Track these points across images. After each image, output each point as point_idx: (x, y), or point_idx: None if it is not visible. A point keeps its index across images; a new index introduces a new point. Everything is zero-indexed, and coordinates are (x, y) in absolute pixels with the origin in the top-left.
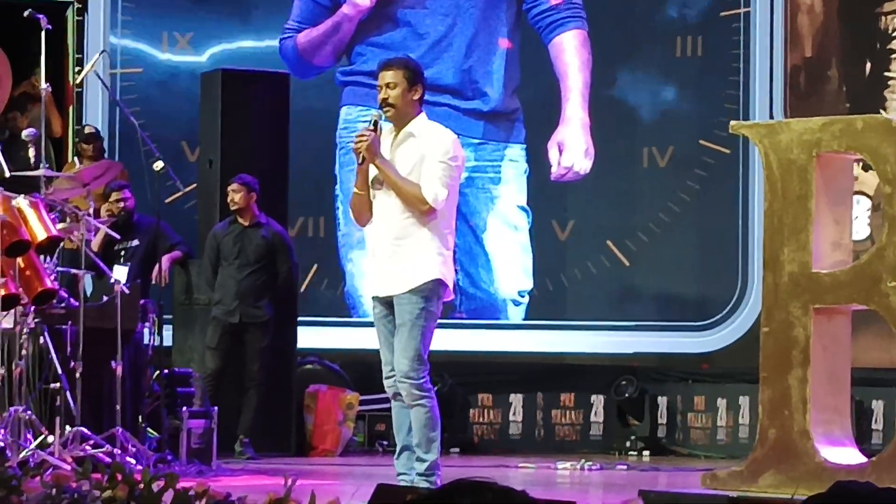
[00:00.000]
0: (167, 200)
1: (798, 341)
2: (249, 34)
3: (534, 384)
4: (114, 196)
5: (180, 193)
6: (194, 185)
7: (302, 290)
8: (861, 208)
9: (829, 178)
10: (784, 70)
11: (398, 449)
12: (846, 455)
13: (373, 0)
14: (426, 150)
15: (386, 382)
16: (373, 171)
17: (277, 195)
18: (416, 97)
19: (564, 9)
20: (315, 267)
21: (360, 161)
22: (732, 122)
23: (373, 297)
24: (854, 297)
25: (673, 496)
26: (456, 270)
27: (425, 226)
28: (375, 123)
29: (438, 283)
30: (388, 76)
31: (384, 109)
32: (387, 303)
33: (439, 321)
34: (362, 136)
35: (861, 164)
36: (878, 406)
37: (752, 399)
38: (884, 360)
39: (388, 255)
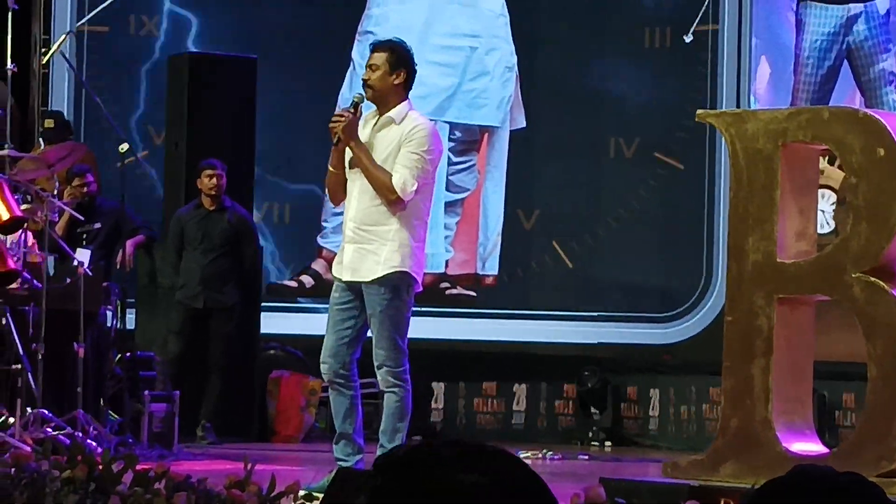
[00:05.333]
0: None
1: (761, 331)
2: (217, 18)
3: (496, 373)
4: (76, 181)
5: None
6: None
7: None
8: (826, 202)
9: (795, 169)
10: (750, 61)
11: (336, 435)
12: (807, 445)
13: None
14: (403, 139)
15: (322, 367)
16: (349, 152)
17: (243, 180)
18: (399, 82)
19: None
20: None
21: (335, 142)
22: (699, 111)
23: (335, 278)
24: (818, 288)
25: (634, 484)
26: None
27: (395, 215)
28: (356, 105)
29: (405, 275)
30: (374, 58)
31: (365, 90)
32: (347, 288)
33: None
34: (340, 116)
35: (826, 157)
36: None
37: (715, 390)
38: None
39: (355, 240)
